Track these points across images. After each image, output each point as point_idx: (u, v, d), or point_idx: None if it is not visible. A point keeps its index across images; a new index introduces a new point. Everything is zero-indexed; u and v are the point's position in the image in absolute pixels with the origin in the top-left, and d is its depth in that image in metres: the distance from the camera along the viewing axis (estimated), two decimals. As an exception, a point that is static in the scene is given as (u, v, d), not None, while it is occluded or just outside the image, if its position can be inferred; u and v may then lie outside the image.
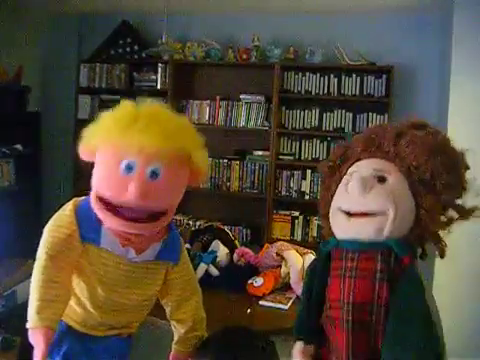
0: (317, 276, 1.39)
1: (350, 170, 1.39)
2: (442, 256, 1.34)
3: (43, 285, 1.31)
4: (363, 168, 1.35)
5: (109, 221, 1.32)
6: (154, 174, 1.28)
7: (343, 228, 1.33)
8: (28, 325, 1.29)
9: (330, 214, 1.39)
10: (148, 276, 1.45)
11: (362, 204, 1.29)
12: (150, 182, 1.27)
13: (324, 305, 1.36)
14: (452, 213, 1.33)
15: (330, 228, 1.41)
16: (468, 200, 1.33)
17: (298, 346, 1.39)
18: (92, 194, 1.34)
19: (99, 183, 1.33)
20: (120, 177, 1.27)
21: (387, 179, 1.30)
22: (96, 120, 1.35)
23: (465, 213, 1.33)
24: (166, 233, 1.47)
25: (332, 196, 1.41)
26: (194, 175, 1.41)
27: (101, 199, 1.31)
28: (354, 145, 1.45)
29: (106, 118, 1.34)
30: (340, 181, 1.40)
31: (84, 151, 1.37)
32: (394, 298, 1.22)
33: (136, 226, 1.31)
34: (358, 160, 1.40)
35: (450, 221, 1.33)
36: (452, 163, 1.30)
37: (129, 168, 1.27)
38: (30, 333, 1.29)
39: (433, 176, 1.27)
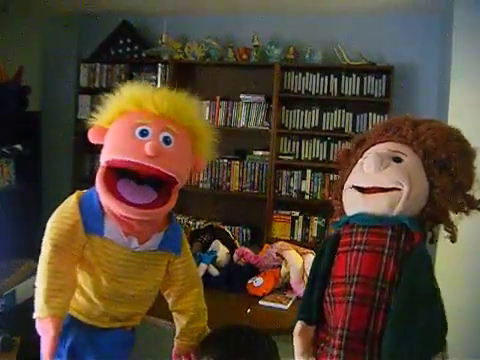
0: (325, 256, 1.39)
1: (366, 154, 1.41)
2: (453, 240, 1.35)
3: (49, 275, 1.33)
4: (379, 148, 1.38)
5: (113, 205, 1.33)
6: (167, 140, 1.36)
7: (356, 203, 1.35)
8: (36, 315, 1.30)
9: (344, 191, 1.41)
10: (151, 266, 1.47)
11: (376, 179, 1.31)
12: (164, 146, 1.34)
13: (327, 284, 1.35)
14: (462, 200, 1.35)
15: (342, 209, 1.42)
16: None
17: (299, 326, 1.39)
18: (99, 172, 1.36)
19: (113, 149, 1.36)
20: (136, 140, 1.33)
21: (403, 160, 1.33)
22: (112, 95, 1.43)
23: (474, 203, 1.35)
24: (168, 223, 1.50)
25: (347, 178, 1.42)
26: (197, 160, 1.47)
27: (108, 175, 1.33)
28: (371, 132, 1.50)
29: (123, 92, 1.42)
30: (356, 163, 1.42)
31: (97, 128, 1.41)
32: (403, 276, 1.22)
33: (139, 211, 1.33)
34: (375, 144, 1.42)
35: (462, 204, 1.35)
36: (466, 150, 1.35)
37: (144, 133, 1.34)
38: (38, 323, 1.30)
39: (449, 158, 1.31)
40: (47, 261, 1.34)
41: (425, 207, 1.31)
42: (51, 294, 1.31)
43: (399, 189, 1.28)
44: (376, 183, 1.30)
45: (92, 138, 1.42)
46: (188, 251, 1.60)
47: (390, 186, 1.28)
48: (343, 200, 1.41)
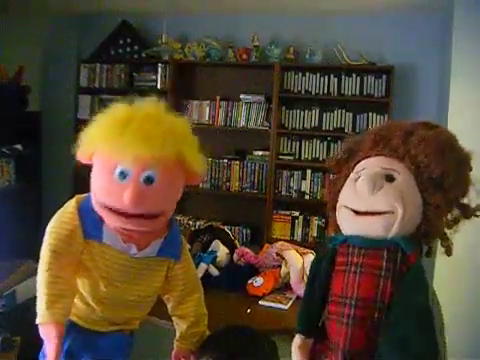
0: (322, 270, 1.39)
1: (358, 167, 1.39)
2: (448, 254, 1.34)
3: (50, 280, 1.32)
4: (371, 166, 1.35)
5: (110, 220, 1.34)
6: (149, 180, 1.29)
7: (350, 225, 1.34)
8: (38, 321, 1.29)
9: (337, 210, 1.39)
10: (150, 272, 1.46)
11: (370, 204, 1.29)
12: (145, 188, 1.28)
13: (328, 300, 1.35)
14: (457, 212, 1.34)
15: (337, 224, 1.41)
16: (469, 200, 1.35)
17: (297, 339, 1.39)
18: (92, 196, 1.36)
19: (96, 189, 1.35)
20: (115, 184, 1.29)
21: (396, 178, 1.31)
22: (90, 124, 1.36)
23: (469, 212, 1.34)
24: (167, 229, 1.48)
25: (339, 190, 1.41)
26: (191, 176, 1.41)
27: (100, 203, 1.33)
28: (362, 141, 1.46)
29: (99, 123, 1.35)
30: (347, 176, 1.41)
31: (81, 156, 1.38)
32: (398, 296, 1.22)
33: (136, 223, 1.32)
34: (366, 157, 1.40)
35: (457, 220, 1.34)
36: (460, 162, 1.32)
37: (123, 175, 1.28)
38: (41, 329, 1.29)
39: (443, 174, 1.28)
40: (46, 267, 1.33)
41: (420, 225, 1.30)
42: (52, 300, 1.30)
43: (393, 212, 1.26)
44: (370, 207, 1.29)
45: (80, 159, 1.39)
46: (188, 256, 1.58)
47: (384, 210, 1.27)
48: (337, 218, 1.40)
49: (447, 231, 1.34)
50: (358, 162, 1.41)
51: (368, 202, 1.29)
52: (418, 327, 1.18)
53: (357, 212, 1.31)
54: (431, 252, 1.39)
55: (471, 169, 1.35)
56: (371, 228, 1.28)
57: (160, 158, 1.29)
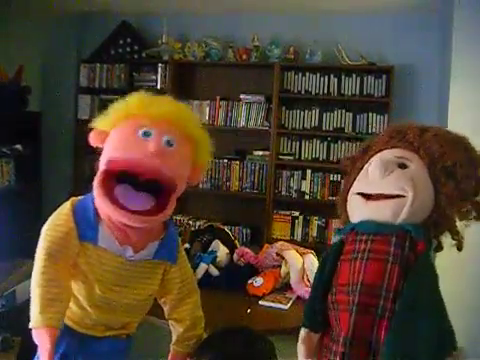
0: (329, 262, 1.38)
1: (371, 160, 1.40)
2: (460, 248, 1.34)
3: (44, 284, 1.31)
4: (385, 154, 1.37)
5: (110, 211, 1.32)
6: (169, 143, 1.35)
7: (360, 210, 1.34)
8: (31, 325, 1.28)
9: (348, 198, 1.40)
10: (146, 275, 1.45)
11: (381, 186, 1.30)
12: (166, 148, 1.34)
13: (330, 290, 1.34)
14: (470, 208, 1.34)
15: (347, 217, 1.41)
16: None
17: (303, 334, 1.39)
18: (97, 176, 1.35)
19: (114, 148, 1.36)
20: (138, 139, 1.33)
21: (408, 166, 1.32)
22: (116, 101, 1.44)
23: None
24: (164, 232, 1.47)
25: (352, 183, 1.42)
26: (197, 163, 1.46)
27: (106, 179, 1.32)
28: (377, 138, 1.49)
29: (123, 100, 1.43)
30: (361, 169, 1.41)
31: (99, 131, 1.40)
32: (406, 285, 1.21)
33: (137, 218, 1.31)
34: (381, 151, 1.41)
35: (469, 212, 1.34)
36: (473, 159, 1.33)
37: (147, 134, 1.34)
38: (34, 333, 1.28)
39: (455, 165, 1.29)
40: (40, 270, 1.32)
41: (431, 214, 1.29)
42: (46, 304, 1.29)
43: (404, 196, 1.27)
44: (380, 190, 1.29)
45: (93, 141, 1.40)
46: (184, 259, 1.57)
47: (395, 193, 1.27)
48: (347, 206, 1.40)
49: (458, 224, 1.34)
50: (372, 156, 1.42)
51: (378, 185, 1.30)
52: (425, 317, 1.17)
53: (367, 197, 1.32)
54: (441, 247, 1.39)
55: None
56: (380, 212, 1.29)
57: (179, 127, 1.39)
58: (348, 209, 1.40)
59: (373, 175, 1.32)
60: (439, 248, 1.38)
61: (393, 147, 1.39)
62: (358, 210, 1.35)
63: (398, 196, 1.27)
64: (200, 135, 1.45)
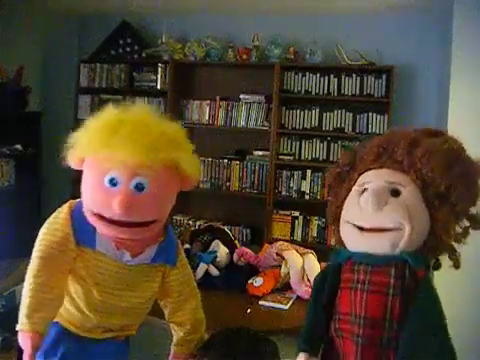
0: (327, 287, 1.36)
1: (361, 180, 1.35)
2: (456, 267, 1.32)
3: (35, 288, 1.30)
4: (376, 180, 1.31)
5: (101, 228, 1.32)
6: (139, 187, 1.26)
7: (356, 241, 1.31)
8: (18, 327, 1.28)
9: (341, 226, 1.37)
10: (145, 278, 1.44)
11: (376, 221, 1.26)
12: (135, 195, 1.25)
13: (333, 317, 1.33)
14: (465, 223, 1.31)
15: (340, 236, 1.38)
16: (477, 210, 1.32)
17: (302, 357, 1.35)
18: (83, 203, 1.34)
19: (87, 197, 1.32)
20: (105, 191, 1.26)
21: (401, 192, 1.27)
22: (80, 129, 1.34)
23: (478, 222, 1.31)
24: (162, 235, 1.46)
25: (342, 203, 1.38)
26: (185, 181, 1.39)
27: (91, 211, 1.31)
28: (364, 152, 1.42)
29: (89, 128, 1.32)
30: (349, 189, 1.37)
31: (71, 161, 1.37)
32: (410, 312, 1.20)
33: (128, 231, 1.30)
34: (369, 169, 1.37)
35: (465, 233, 1.31)
36: (468, 174, 1.28)
37: (113, 183, 1.26)
38: (19, 336, 1.29)
39: (449, 188, 1.25)
40: (33, 274, 1.31)
41: (427, 240, 1.27)
42: (34, 308, 1.28)
43: (400, 228, 1.24)
44: (376, 224, 1.26)
45: (72, 165, 1.38)
46: (184, 262, 1.56)
47: (391, 226, 1.25)
48: (341, 232, 1.37)
49: (455, 244, 1.32)
50: (360, 174, 1.38)
51: (374, 219, 1.27)
52: (434, 339, 1.16)
53: (362, 229, 1.28)
54: (439, 265, 1.36)
55: None
56: (378, 245, 1.26)
57: (151, 165, 1.26)
58: (342, 235, 1.37)
59: (366, 208, 1.27)
60: (438, 266, 1.37)
61: (382, 166, 1.34)
62: (353, 241, 1.32)
63: (394, 229, 1.25)
64: (179, 154, 1.32)
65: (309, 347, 1.36)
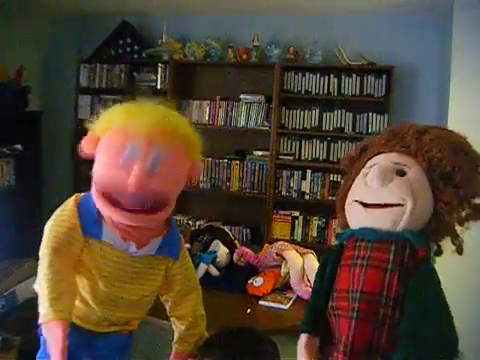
0: (329, 267, 1.38)
1: (369, 163, 1.39)
2: (460, 252, 1.34)
3: (52, 278, 1.30)
4: (382, 160, 1.36)
5: (109, 212, 1.32)
6: (155, 163, 1.29)
7: (359, 218, 1.34)
8: (42, 320, 1.26)
9: (346, 205, 1.39)
10: (149, 271, 1.46)
11: (380, 196, 1.29)
12: (152, 170, 1.28)
13: (330, 296, 1.35)
14: (469, 211, 1.33)
15: (346, 221, 1.41)
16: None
17: (303, 339, 1.38)
18: (93, 186, 1.35)
19: (99, 176, 1.33)
20: (121, 166, 1.28)
21: (406, 172, 1.31)
22: (102, 113, 1.38)
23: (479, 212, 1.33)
24: (166, 228, 1.49)
25: (349, 187, 1.41)
26: (192, 168, 1.43)
27: (101, 190, 1.32)
28: (375, 139, 1.47)
29: (112, 110, 1.38)
30: (358, 172, 1.41)
31: (89, 138, 1.38)
32: (409, 293, 1.21)
33: (136, 218, 1.32)
34: (378, 154, 1.40)
35: (467, 216, 1.33)
36: (473, 162, 1.32)
37: (131, 156, 1.28)
38: (45, 328, 1.26)
39: (454, 170, 1.28)
40: (47, 265, 1.32)
41: (430, 221, 1.29)
42: (55, 297, 1.28)
43: (403, 205, 1.26)
44: (380, 199, 1.29)
45: (85, 148, 1.38)
46: (186, 256, 1.58)
47: (394, 202, 1.27)
48: (346, 212, 1.40)
49: (458, 229, 1.33)
50: (370, 158, 1.41)
51: (378, 194, 1.30)
52: (435, 320, 1.18)
53: (366, 205, 1.31)
54: (441, 251, 1.38)
55: None
56: (380, 220, 1.28)
57: (166, 141, 1.31)
58: (347, 215, 1.40)
59: (371, 183, 1.31)
60: (439, 252, 1.38)
61: (390, 151, 1.38)
62: (357, 218, 1.35)
63: (397, 205, 1.27)
64: (191, 138, 1.40)
65: (311, 328, 1.39)
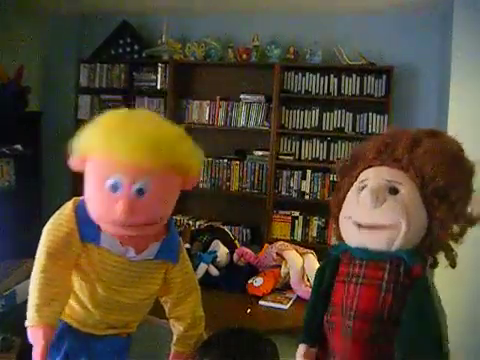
0: (325, 279, 1.38)
1: (361, 177, 1.37)
2: (453, 266, 1.33)
3: (43, 283, 1.31)
4: (375, 178, 1.33)
5: (103, 225, 1.33)
6: (141, 191, 1.26)
7: (353, 237, 1.33)
8: (27, 323, 1.29)
9: (340, 218, 1.38)
10: (147, 275, 1.46)
11: (374, 218, 1.28)
12: (138, 199, 1.25)
13: (327, 309, 1.35)
14: (462, 222, 1.32)
15: (340, 233, 1.40)
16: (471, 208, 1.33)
17: (301, 349, 1.38)
18: (87, 204, 1.35)
19: (89, 200, 1.33)
20: (107, 196, 1.26)
21: (399, 190, 1.28)
22: (82, 130, 1.34)
23: (474, 220, 1.32)
24: (165, 232, 1.48)
25: (343, 198, 1.40)
26: (187, 181, 1.39)
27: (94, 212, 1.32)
28: (366, 149, 1.43)
29: (91, 130, 1.32)
30: (351, 184, 1.39)
31: (73, 163, 1.37)
32: (405, 311, 1.20)
33: (130, 229, 1.31)
34: (369, 167, 1.38)
35: (462, 232, 1.32)
36: (467, 174, 1.30)
37: (115, 187, 1.25)
38: (29, 331, 1.29)
39: (448, 186, 1.26)
40: (41, 269, 1.33)
41: (424, 237, 1.28)
42: (44, 303, 1.29)
43: (397, 225, 1.25)
44: (373, 221, 1.28)
45: (73, 168, 1.38)
46: (186, 259, 1.58)
47: (388, 223, 1.26)
48: (340, 226, 1.39)
49: (452, 243, 1.32)
50: (362, 170, 1.39)
51: (371, 216, 1.28)
52: (432, 344, 1.17)
53: (360, 225, 1.30)
54: (436, 263, 1.37)
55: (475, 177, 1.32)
56: (374, 242, 1.27)
57: (152, 167, 1.26)
58: (341, 230, 1.39)
59: (364, 205, 1.29)
60: (434, 265, 1.37)
61: (382, 164, 1.36)
62: (351, 236, 1.34)
63: (391, 225, 1.26)
64: (182, 155, 1.33)
65: (308, 338, 1.39)
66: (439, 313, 1.22)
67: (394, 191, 1.29)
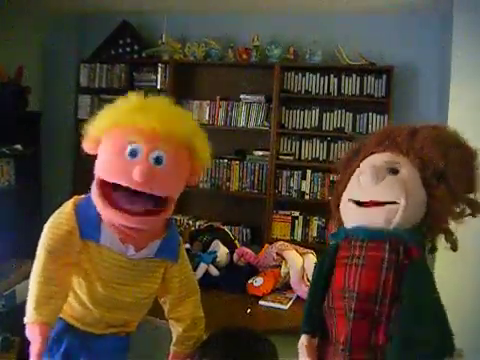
0: (325, 268, 1.39)
1: (363, 163, 1.40)
2: (454, 249, 1.34)
3: (42, 281, 1.32)
4: (375, 160, 1.37)
5: (109, 213, 1.33)
6: (158, 160, 1.31)
7: (353, 216, 1.34)
8: (25, 320, 1.30)
9: (341, 205, 1.40)
10: (147, 273, 1.46)
11: (373, 193, 1.30)
12: (154, 167, 1.30)
13: (326, 296, 1.35)
14: (464, 207, 1.33)
15: (340, 221, 1.41)
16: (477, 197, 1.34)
17: (303, 339, 1.39)
18: (94, 181, 1.35)
19: (103, 169, 1.34)
20: (125, 161, 1.30)
21: (399, 171, 1.31)
22: (100, 113, 1.38)
23: (476, 207, 1.33)
24: (165, 231, 1.48)
25: (344, 187, 1.41)
26: (196, 167, 1.43)
27: (103, 185, 1.32)
28: (368, 140, 1.48)
29: (114, 105, 1.38)
30: (352, 174, 1.41)
31: (90, 139, 1.38)
32: (404, 291, 1.21)
33: (134, 219, 1.32)
34: (371, 154, 1.41)
35: (462, 212, 1.33)
36: (466, 158, 1.32)
37: (134, 153, 1.30)
38: (27, 328, 1.30)
39: (447, 167, 1.28)
40: (40, 267, 1.33)
41: (424, 218, 1.29)
42: (42, 301, 1.30)
43: (396, 202, 1.27)
44: (373, 197, 1.29)
45: (86, 148, 1.40)
46: (185, 259, 1.58)
47: (387, 200, 1.27)
48: (341, 212, 1.40)
49: (451, 225, 1.33)
50: (363, 159, 1.42)
51: (371, 192, 1.30)
52: (429, 320, 1.18)
53: (360, 203, 1.32)
54: (435, 248, 1.38)
55: (477, 168, 1.34)
56: (373, 218, 1.29)
57: (170, 138, 1.32)
58: (341, 214, 1.40)
59: (365, 182, 1.31)
60: (433, 250, 1.38)
61: (384, 151, 1.39)
62: (351, 216, 1.35)
63: (390, 202, 1.27)
64: (196, 140, 1.40)
65: (309, 327, 1.40)
66: (434, 291, 1.23)
67: (394, 171, 1.32)
